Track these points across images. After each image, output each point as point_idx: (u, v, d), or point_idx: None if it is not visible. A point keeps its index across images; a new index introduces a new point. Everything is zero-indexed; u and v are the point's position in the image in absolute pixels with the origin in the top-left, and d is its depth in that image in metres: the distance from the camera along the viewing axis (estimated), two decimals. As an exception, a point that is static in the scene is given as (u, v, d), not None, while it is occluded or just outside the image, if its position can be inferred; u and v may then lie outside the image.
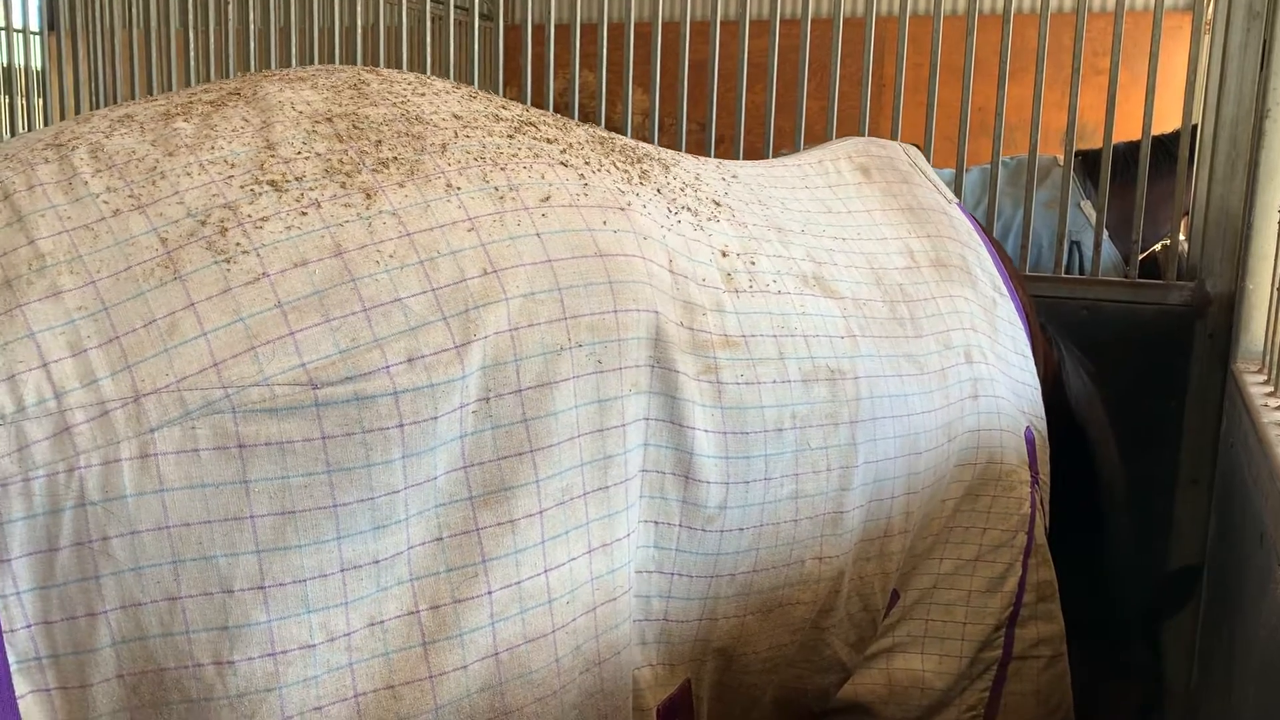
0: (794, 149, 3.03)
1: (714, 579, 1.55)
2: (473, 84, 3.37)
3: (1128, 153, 3.36)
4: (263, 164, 1.28)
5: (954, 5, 6.74)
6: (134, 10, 3.95)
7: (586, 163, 1.49)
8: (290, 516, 1.15)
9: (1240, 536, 2.05)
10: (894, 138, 2.80)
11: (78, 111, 4.41)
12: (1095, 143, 3.48)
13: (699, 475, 1.48)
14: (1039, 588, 2.03)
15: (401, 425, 1.19)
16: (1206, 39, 3.21)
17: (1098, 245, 3.00)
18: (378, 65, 3.43)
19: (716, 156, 2.59)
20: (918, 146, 2.41)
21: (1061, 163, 3.22)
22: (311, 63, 3.80)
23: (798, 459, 1.61)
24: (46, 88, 4.76)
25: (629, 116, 3.40)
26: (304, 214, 1.24)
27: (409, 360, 1.20)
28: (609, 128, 1.91)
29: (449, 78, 3.10)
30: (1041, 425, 2.12)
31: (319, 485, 1.16)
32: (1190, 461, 2.85)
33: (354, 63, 3.63)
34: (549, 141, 1.49)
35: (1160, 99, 2.90)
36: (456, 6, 3.69)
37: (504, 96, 1.78)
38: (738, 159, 2.53)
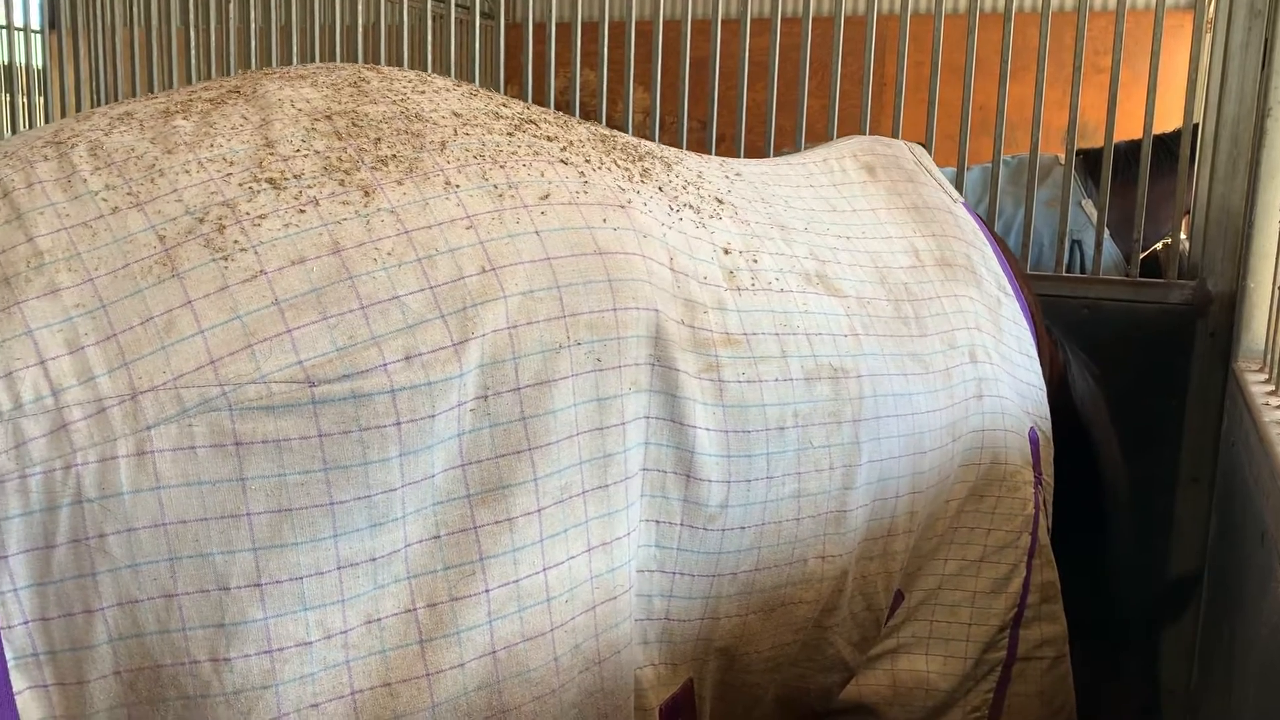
0: (795, 147, 3.02)
1: (716, 578, 1.55)
2: (474, 82, 3.36)
3: (1129, 151, 3.35)
4: (261, 162, 1.27)
5: (955, 4, 6.72)
6: (134, 8, 3.95)
7: (587, 160, 1.49)
8: (287, 514, 1.15)
9: (1241, 535, 2.05)
10: (895, 136, 2.80)
11: (78, 109, 4.41)
12: (1096, 141, 3.47)
13: (700, 474, 1.47)
14: (1043, 588, 2.02)
15: (399, 423, 1.19)
16: (1208, 38, 3.20)
17: (1099, 244, 2.99)
18: (379, 63, 3.42)
19: (718, 155, 2.59)
20: (920, 145, 2.41)
21: (1062, 161, 3.21)
22: (313, 61, 3.80)
23: (800, 457, 1.60)
24: (47, 86, 4.75)
25: (630, 115, 3.39)
26: (302, 212, 1.23)
27: (406, 358, 1.20)
28: (610, 126, 1.91)
29: (450, 76, 3.10)
30: (1046, 425, 2.11)
31: (316, 483, 1.16)
32: (1191, 460, 2.85)
33: (355, 61, 3.63)
34: (549, 139, 1.48)
35: (1161, 98, 2.89)
36: (458, 5, 3.69)
37: (505, 95, 1.78)
38: (739, 157, 2.53)
